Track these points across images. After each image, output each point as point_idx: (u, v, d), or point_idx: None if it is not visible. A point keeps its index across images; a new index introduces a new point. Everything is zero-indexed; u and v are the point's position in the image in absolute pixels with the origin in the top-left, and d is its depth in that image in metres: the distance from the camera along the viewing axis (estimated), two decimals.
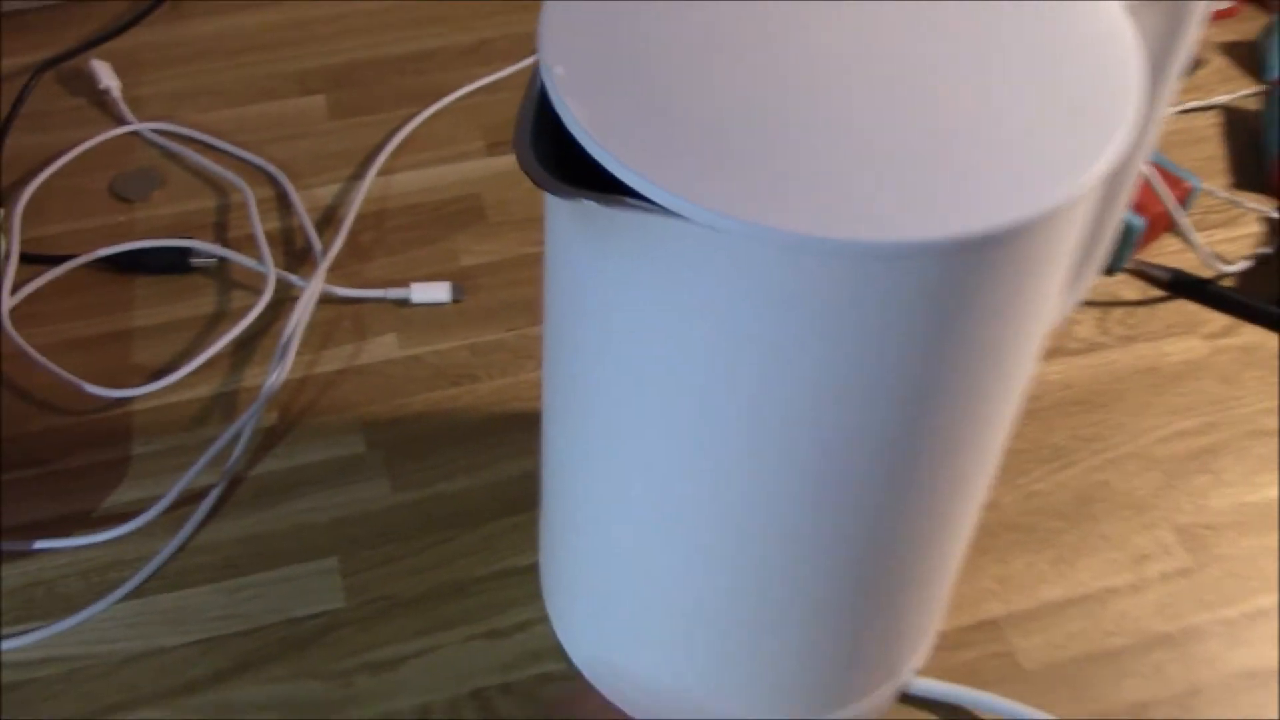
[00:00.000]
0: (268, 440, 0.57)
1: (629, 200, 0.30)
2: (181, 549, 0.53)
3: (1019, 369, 0.37)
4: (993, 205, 0.30)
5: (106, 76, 0.70)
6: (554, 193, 0.30)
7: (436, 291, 0.62)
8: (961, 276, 0.31)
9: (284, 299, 0.61)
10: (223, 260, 0.63)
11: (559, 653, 0.51)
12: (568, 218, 0.34)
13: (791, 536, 0.40)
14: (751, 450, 0.36)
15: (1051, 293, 0.36)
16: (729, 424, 0.36)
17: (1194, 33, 0.43)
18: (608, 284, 0.33)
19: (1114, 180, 0.47)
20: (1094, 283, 0.57)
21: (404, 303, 0.62)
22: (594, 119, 0.31)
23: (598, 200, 0.30)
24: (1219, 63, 0.76)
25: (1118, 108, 0.32)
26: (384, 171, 0.68)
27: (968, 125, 0.31)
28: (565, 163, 0.32)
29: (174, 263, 0.62)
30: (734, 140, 0.31)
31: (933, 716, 0.50)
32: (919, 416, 0.35)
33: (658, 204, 0.29)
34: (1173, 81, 0.44)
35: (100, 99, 0.70)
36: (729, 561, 0.42)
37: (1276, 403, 0.60)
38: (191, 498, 0.54)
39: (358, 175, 0.67)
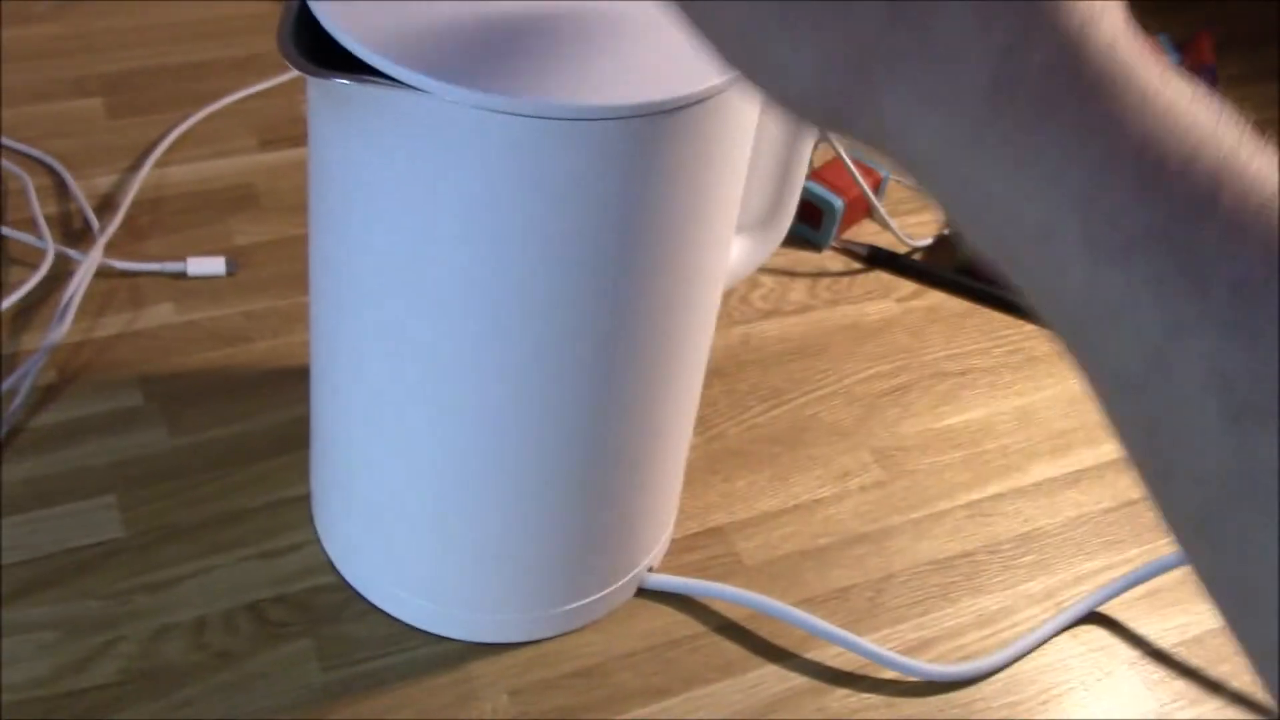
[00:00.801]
0: (47, 396, 0.60)
1: (367, 77, 0.37)
2: None
3: (706, 248, 0.45)
4: (662, 85, 0.38)
5: None
6: (309, 73, 0.37)
7: (212, 265, 0.66)
8: (643, 141, 0.38)
9: (62, 273, 0.65)
10: (1, 239, 0.66)
11: (329, 568, 0.55)
12: (324, 106, 0.40)
13: (518, 432, 0.46)
14: (477, 336, 0.43)
15: (727, 185, 0.44)
16: (452, 305, 0.42)
17: None
18: (356, 160, 0.40)
19: (788, 145, 0.56)
20: (779, 251, 0.66)
21: (180, 275, 0.66)
22: (340, 15, 0.37)
23: (344, 78, 0.36)
24: None
25: None
26: (160, 164, 0.72)
27: (658, 42, 0.39)
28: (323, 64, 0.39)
29: None
30: (457, 34, 0.38)
31: (667, 608, 0.56)
32: (625, 287, 0.43)
33: (386, 75, 0.36)
34: None
35: None
36: (464, 461, 0.47)
37: (953, 351, 0.70)
38: None
39: (135, 167, 0.71)
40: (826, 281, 0.73)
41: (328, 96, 0.40)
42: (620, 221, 0.40)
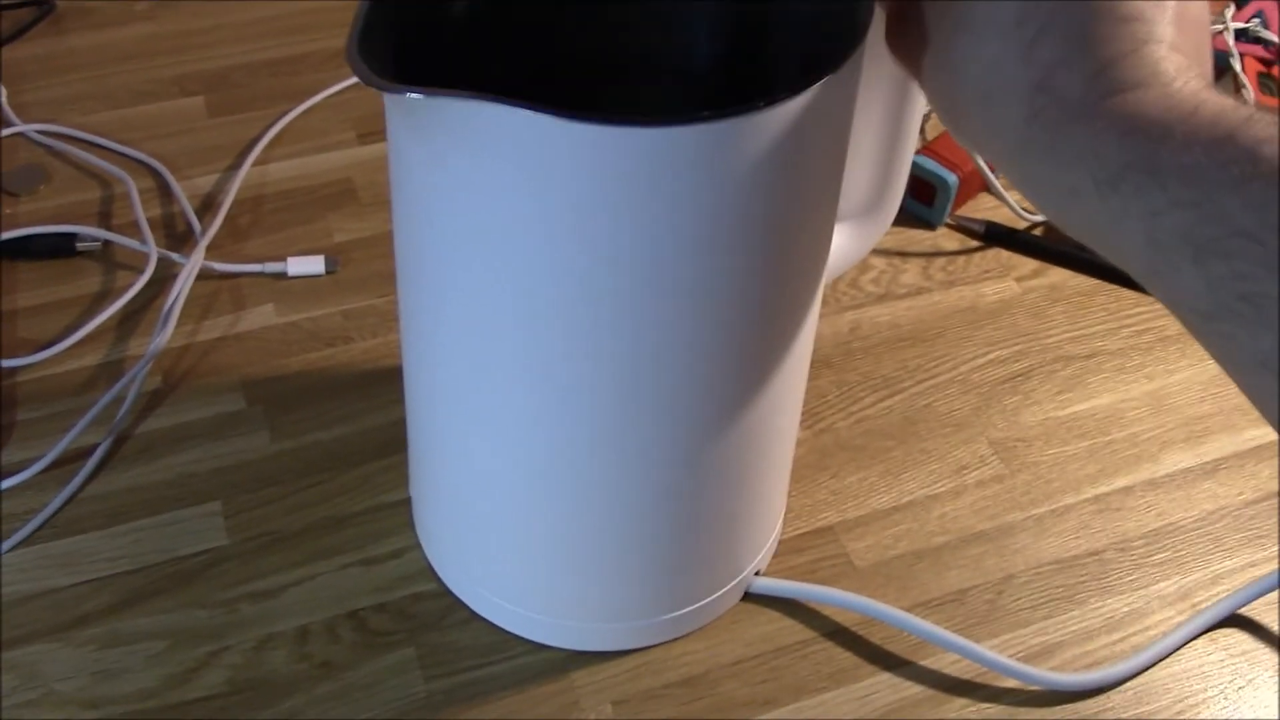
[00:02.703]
0: (152, 402, 0.60)
1: (438, 90, 0.35)
2: (70, 501, 0.56)
3: (806, 243, 0.42)
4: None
5: None
6: (379, 88, 0.35)
7: (311, 264, 0.66)
8: (734, 144, 0.36)
9: (166, 277, 0.65)
10: (106, 244, 0.66)
11: (430, 574, 0.55)
12: (398, 115, 0.39)
13: (618, 436, 0.45)
14: (578, 344, 0.41)
15: (827, 175, 0.42)
16: (550, 314, 0.40)
17: None
18: (435, 171, 0.38)
19: (894, 125, 0.52)
20: (890, 230, 0.63)
21: (281, 276, 0.66)
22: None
23: (417, 92, 0.35)
24: None
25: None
26: (260, 162, 0.72)
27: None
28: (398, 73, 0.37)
29: (58, 248, 0.66)
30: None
31: (774, 613, 0.54)
32: (723, 291, 0.40)
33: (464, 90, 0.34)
34: None
35: None
36: (564, 468, 0.46)
37: (1078, 332, 0.66)
38: (79, 455, 0.57)
39: (235, 166, 0.71)
40: (941, 262, 0.69)
41: (400, 107, 0.38)
42: (714, 225, 0.38)
